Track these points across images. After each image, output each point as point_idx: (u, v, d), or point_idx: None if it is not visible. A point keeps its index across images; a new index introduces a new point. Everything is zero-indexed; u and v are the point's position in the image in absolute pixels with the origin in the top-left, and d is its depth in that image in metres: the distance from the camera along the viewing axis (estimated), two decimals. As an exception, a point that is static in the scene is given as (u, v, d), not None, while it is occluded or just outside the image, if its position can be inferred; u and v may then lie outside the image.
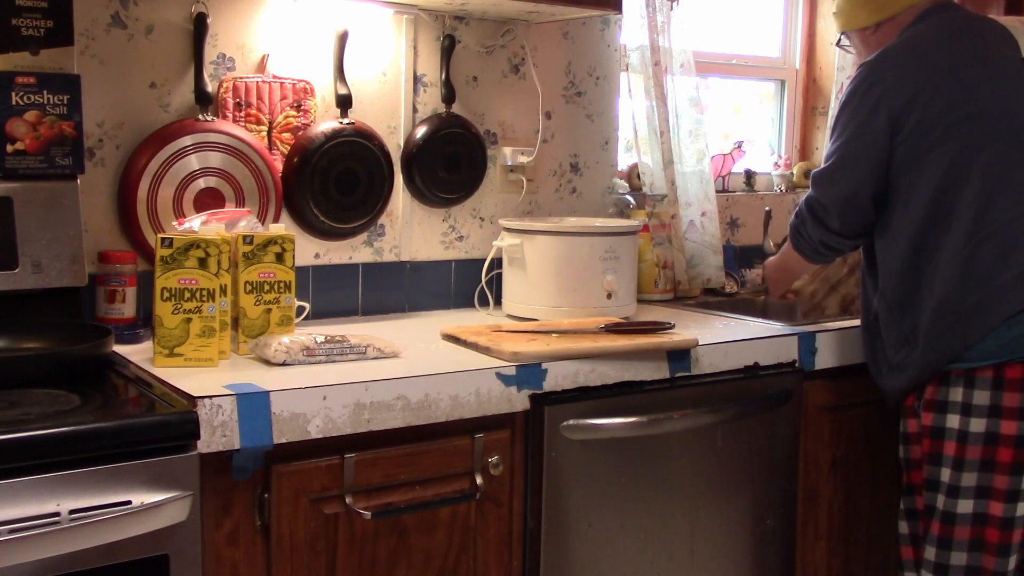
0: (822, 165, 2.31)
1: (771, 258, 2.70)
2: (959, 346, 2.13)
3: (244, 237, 2.00)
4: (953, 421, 2.15)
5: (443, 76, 2.58)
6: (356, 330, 2.14)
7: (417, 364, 1.94)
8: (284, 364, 1.90)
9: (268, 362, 1.91)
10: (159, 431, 1.58)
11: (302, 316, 2.26)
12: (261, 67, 2.33)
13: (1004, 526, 2.13)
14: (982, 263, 2.13)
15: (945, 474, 2.16)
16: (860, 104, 2.23)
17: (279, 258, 2.03)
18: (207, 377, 1.78)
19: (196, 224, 2.02)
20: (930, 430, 2.19)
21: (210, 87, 2.24)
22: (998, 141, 2.17)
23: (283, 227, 2.10)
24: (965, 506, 2.14)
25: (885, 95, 2.19)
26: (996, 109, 2.18)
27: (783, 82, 3.59)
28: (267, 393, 1.69)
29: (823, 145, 3.42)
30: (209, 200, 2.23)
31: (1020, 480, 2.12)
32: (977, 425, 2.12)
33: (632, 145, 2.97)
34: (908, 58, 2.23)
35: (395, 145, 2.54)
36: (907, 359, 2.22)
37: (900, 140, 2.19)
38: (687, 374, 2.18)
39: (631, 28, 2.89)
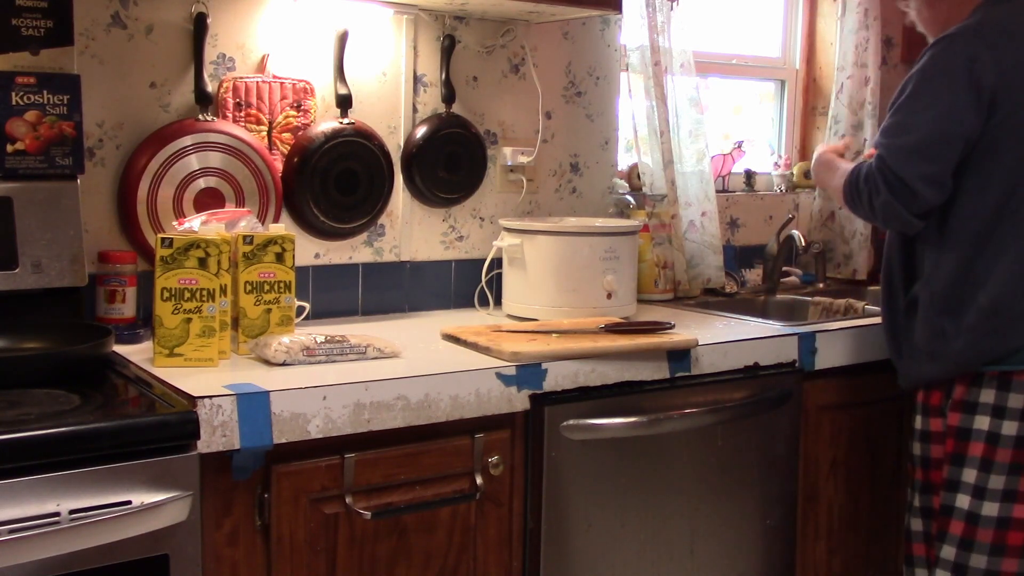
0: (898, 138, 2.13)
1: (824, 158, 2.46)
2: (1000, 348, 2.11)
3: (244, 237, 2.00)
4: (983, 423, 2.13)
5: (443, 76, 2.58)
6: (356, 330, 2.14)
7: (417, 364, 1.94)
8: (284, 364, 1.90)
9: (268, 362, 1.91)
10: (159, 431, 1.58)
11: (302, 316, 2.26)
12: (261, 67, 2.33)
13: None
14: None
15: (970, 475, 2.14)
16: (953, 79, 2.10)
17: (279, 258, 2.03)
18: (207, 377, 1.78)
19: (196, 224, 2.02)
20: (956, 431, 2.17)
21: (210, 87, 2.24)
22: None
23: (283, 227, 2.10)
24: (991, 508, 2.12)
25: (983, 73, 2.08)
26: None
27: (783, 82, 3.59)
28: (267, 393, 1.69)
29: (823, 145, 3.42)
30: (209, 200, 2.23)
31: None
32: (1009, 428, 2.10)
33: (632, 145, 2.97)
34: (1002, 40, 2.13)
35: (395, 145, 2.54)
36: (942, 349, 2.18)
37: (991, 124, 2.10)
38: (687, 374, 2.18)
39: (631, 28, 2.89)
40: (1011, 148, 2.12)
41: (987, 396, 2.13)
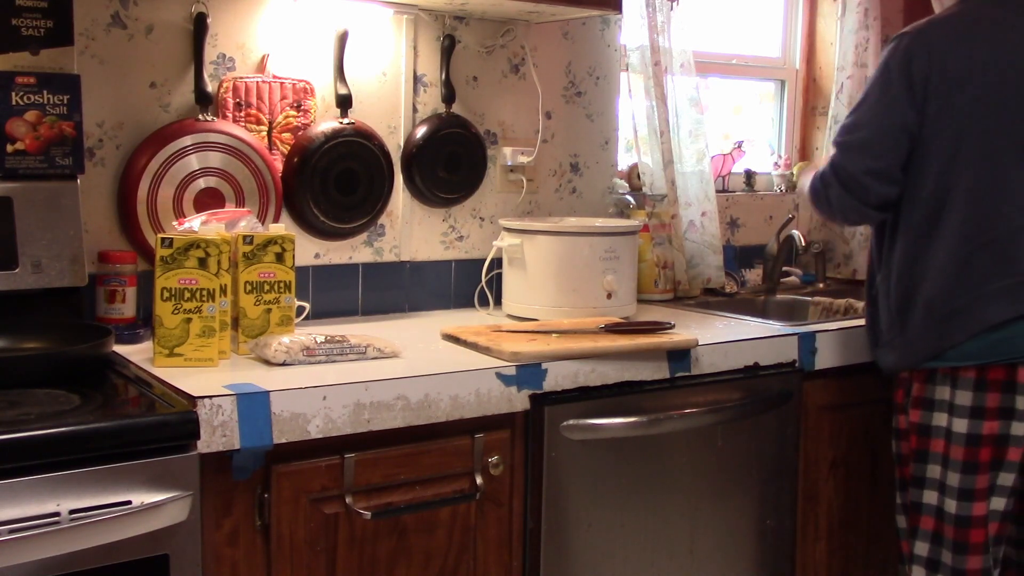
0: (848, 135, 2.21)
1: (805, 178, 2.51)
2: (939, 345, 2.14)
3: (244, 237, 2.00)
4: (941, 419, 2.17)
5: (443, 76, 2.58)
6: (356, 330, 2.14)
7: (417, 364, 1.94)
8: (284, 364, 1.90)
9: (268, 362, 1.91)
10: (159, 431, 1.58)
11: (302, 316, 2.26)
12: (261, 67, 2.33)
13: (985, 523, 2.14)
14: (975, 269, 2.11)
15: (934, 471, 2.18)
16: (894, 75, 2.16)
17: (279, 258, 2.03)
18: (207, 377, 1.78)
19: (196, 224, 2.02)
20: (917, 427, 2.21)
21: (210, 87, 2.24)
22: (1001, 141, 2.12)
23: (283, 227, 2.10)
24: (950, 506, 2.16)
25: (917, 66, 2.13)
26: (1012, 104, 2.12)
27: (783, 82, 3.59)
28: (267, 393, 1.69)
29: (823, 145, 3.43)
30: (209, 200, 2.23)
31: (997, 476, 2.13)
32: (959, 425, 2.13)
33: (632, 145, 2.97)
34: (942, 32, 2.17)
35: (395, 145, 2.54)
36: (895, 339, 2.23)
37: (927, 117, 2.13)
38: (687, 374, 2.18)
39: (631, 28, 2.89)
40: (943, 142, 2.13)
41: (942, 393, 2.17)
